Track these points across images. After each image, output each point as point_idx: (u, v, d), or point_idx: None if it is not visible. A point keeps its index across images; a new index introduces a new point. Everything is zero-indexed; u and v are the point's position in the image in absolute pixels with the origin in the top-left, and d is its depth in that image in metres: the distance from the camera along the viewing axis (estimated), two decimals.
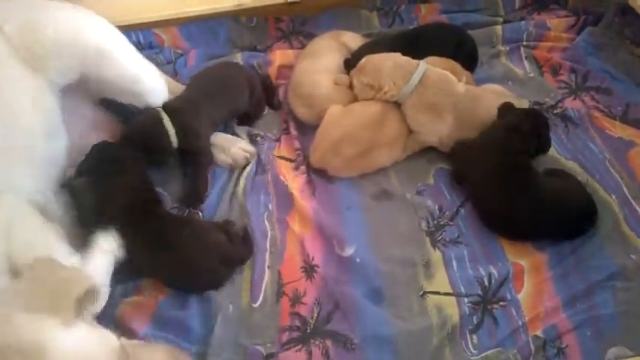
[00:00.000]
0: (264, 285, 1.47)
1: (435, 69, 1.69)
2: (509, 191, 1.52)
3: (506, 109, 1.64)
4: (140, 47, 2.06)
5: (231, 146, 1.73)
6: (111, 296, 1.41)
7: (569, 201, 1.51)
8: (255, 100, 1.84)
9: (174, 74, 1.99)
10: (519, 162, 1.54)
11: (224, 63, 1.93)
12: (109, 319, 1.35)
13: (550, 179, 1.58)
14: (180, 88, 1.78)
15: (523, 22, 2.15)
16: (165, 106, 1.63)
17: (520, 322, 1.38)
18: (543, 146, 1.63)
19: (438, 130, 1.67)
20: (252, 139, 1.80)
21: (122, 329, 1.33)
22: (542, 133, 1.61)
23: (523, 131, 1.55)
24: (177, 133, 1.58)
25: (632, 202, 1.60)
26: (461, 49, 1.87)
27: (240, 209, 1.62)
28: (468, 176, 1.63)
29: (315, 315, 1.42)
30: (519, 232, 1.54)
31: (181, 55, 2.06)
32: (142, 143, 1.56)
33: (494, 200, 1.55)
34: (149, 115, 1.61)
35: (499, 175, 1.54)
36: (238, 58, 2.02)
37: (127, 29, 1.99)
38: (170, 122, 1.58)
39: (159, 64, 2.01)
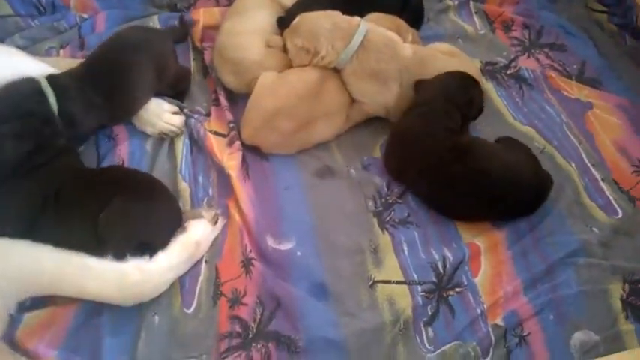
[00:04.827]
0: (198, 286, 1.30)
1: (378, 29, 1.56)
2: (450, 182, 1.39)
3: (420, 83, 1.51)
4: (41, 9, 1.86)
5: (157, 120, 1.56)
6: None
7: (518, 183, 1.37)
8: (169, 81, 1.62)
9: (80, 41, 1.78)
10: (456, 146, 1.40)
11: (123, 39, 1.57)
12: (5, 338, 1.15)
13: (498, 157, 1.42)
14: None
15: None
16: (50, 77, 1.40)
17: (478, 310, 1.28)
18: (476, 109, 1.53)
19: (383, 100, 1.55)
20: (182, 112, 1.61)
21: (24, 352, 1.15)
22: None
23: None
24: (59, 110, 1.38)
25: (592, 169, 1.53)
26: (405, 5, 1.77)
27: (176, 192, 1.44)
28: (404, 171, 1.49)
29: (258, 317, 1.26)
30: (467, 217, 1.43)
31: (86, 19, 1.84)
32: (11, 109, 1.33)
33: (433, 192, 1.44)
34: (24, 80, 1.37)
35: (436, 166, 1.40)
36: (155, 21, 1.84)
37: None
38: (53, 94, 1.37)
39: (61, 31, 1.83)
